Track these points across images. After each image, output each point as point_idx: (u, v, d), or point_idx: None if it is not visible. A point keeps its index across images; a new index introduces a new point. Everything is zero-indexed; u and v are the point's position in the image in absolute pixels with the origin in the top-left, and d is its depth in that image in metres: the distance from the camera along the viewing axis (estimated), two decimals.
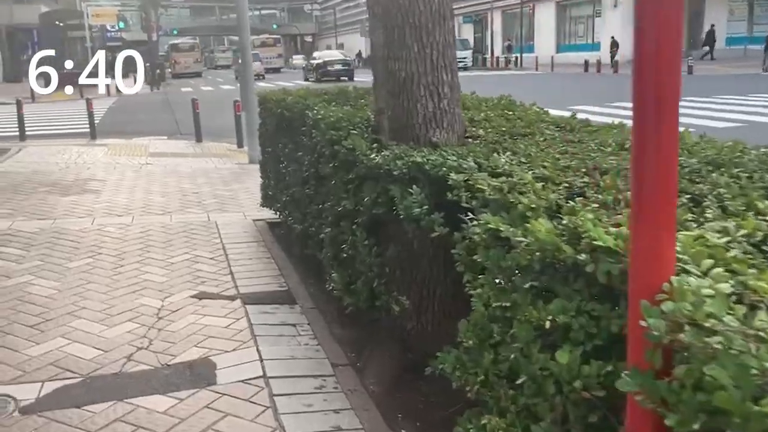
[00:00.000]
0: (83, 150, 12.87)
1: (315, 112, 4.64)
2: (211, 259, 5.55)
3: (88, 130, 15.81)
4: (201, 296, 4.66)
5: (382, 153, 3.35)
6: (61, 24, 47.86)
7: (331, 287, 4.23)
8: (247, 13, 11.22)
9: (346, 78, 36.62)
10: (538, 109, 4.36)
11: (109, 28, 49.43)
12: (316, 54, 43.69)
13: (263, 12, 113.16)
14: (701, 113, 15.15)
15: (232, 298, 4.61)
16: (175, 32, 73.80)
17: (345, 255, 3.90)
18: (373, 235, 3.67)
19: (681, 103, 1.43)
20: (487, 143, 3.43)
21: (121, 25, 48.60)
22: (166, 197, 7.97)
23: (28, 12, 46.46)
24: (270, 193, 6.53)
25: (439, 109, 3.47)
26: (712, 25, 43.09)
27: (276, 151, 6.06)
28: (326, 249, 4.35)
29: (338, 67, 38.84)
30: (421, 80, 3.44)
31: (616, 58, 39.42)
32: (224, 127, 16.76)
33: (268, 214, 6.81)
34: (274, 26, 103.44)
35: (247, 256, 5.65)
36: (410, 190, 2.96)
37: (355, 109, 4.34)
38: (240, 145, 13.49)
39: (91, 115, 15.75)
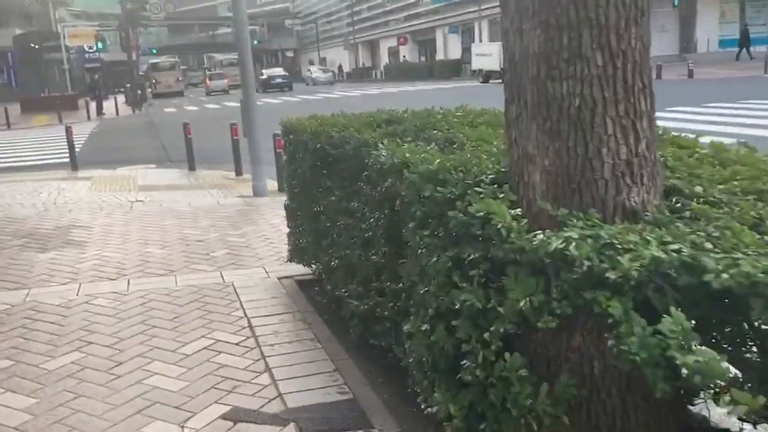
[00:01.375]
0: (64, 186, 11.46)
1: (385, 153, 3.33)
2: (236, 345, 4.20)
3: (69, 160, 14.41)
4: (235, 418, 3.30)
5: (564, 233, 2.04)
6: (37, 46, 46.27)
7: (426, 407, 2.92)
8: (247, 26, 9.91)
9: (287, 89, 48.99)
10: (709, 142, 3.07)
11: (86, 48, 47.87)
12: (263, 71, 53.81)
13: None
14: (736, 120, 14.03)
15: (281, 422, 3.26)
16: (154, 51, 72.43)
17: (466, 375, 2.58)
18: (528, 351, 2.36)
19: None
20: (716, 209, 2.14)
21: (100, 45, 47.09)
22: (166, 248, 6.60)
23: (2, 35, 44.91)
24: (301, 244, 5.19)
25: (636, 155, 2.17)
26: (746, 25, 42.45)
27: (312, 195, 4.74)
28: (414, 350, 3.02)
29: (279, 80, 50.97)
30: (607, 111, 2.14)
31: None
32: (217, 152, 15.41)
33: (295, 267, 5.49)
34: (255, 42, 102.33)
35: (284, 337, 4.30)
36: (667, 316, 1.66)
37: (459, 153, 3.01)
38: (239, 172, 12.16)
39: (71, 145, 14.34)
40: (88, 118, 30.70)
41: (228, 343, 4.24)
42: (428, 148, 3.26)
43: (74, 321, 4.66)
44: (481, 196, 2.46)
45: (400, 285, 3.26)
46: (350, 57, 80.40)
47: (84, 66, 50.44)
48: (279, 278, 5.58)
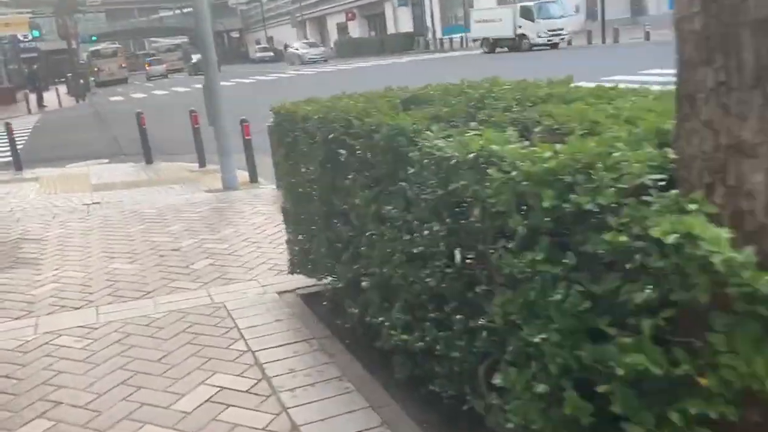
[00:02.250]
0: (8, 189, 10.30)
1: (444, 143, 2.49)
2: (246, 393, 3.33)
3: (11, 159, 13.15)
4: None
5: None
6: None
7: None
8: (206, 6, 8.85)
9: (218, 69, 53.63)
10: None
11: (21, 38, 45.37)
12: (193, 56, 54.85)
13: (185, 11, 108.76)
14: None
15: None
16: (94, 39, 69.43)
17: None
18: None
19: None
20: None
21: (35, 33, 44.60)
22: (136, 262, 5.63)
23: None
24: (308, 255, 4.31)
25: None
26: None
27: (324, 197, 3.85)
28: (518, 415, 2.21)
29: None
30: None
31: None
32: (174, 142, 14.31)
33: (294, 277, 4.64)
34: None
35: (304, 378, 3.44)
36: None
37: (576, 143, 2.15)
38: (202, 164, 11.13)
39: (13, 142, 13.06)
40: (29, 111, 28.93)
41: (235, 390, 3.36)
42: (507, 135, 2.42)
43: (34, 372, 3.71)
44: (654, 207, 1.64)
45: (481, 322, 2.44)
46: (298, 35, 78.55)
47: (20, 56, 47.78)
48: (278, 293, 4.70)
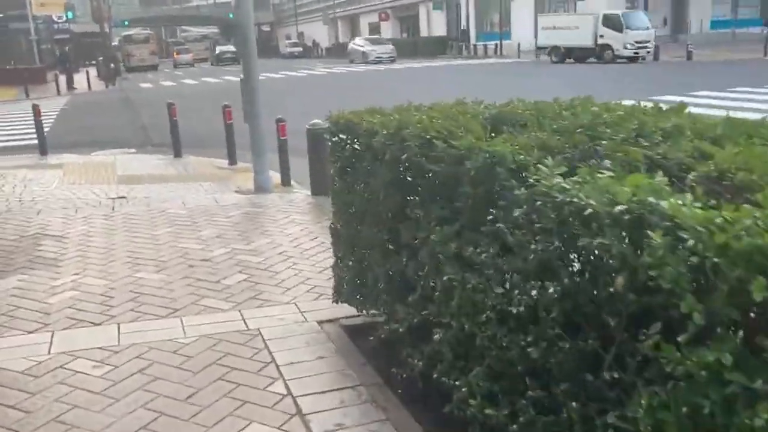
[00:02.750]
0: (31, 175, 9.90)
1: (584, 189, 1.98)
2: None
3: (37, 142, 12.78)
4: None
5: None
6: (1, 15, 43.72)
7: None
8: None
9: (237, 62, 52.77)
10: None
11: (55, 18, 45.39)
12: (217, 48, 61.59)
13: (217, 1, 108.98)
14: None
15: None
16: (126, 23, 69.59)
17: None
18: None
19: None
20: None
21: (70, 15, 44.62)
22: (163, 272, 5.17)
23: None
24: (360, 287, 3.81)
25: None
26: None
27: (385, 223, 3.35)
28: None
29: (229, 55, 56.90)
30: None
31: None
32: (203, 134, 13.90)
33: (337, 305, 4.14)
34: (230, 15, 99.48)
35: None
36: None
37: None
38: (233, 161, 10.69)
39: (39, 125, 12.70)
40: (58, 92, 28.77)
41: None
42: (659, 182, 1.89)
43: (45, 405, 3.24)
44: None
45: (611, 420, 1.92)
46: (329, 32, 78.31)
47: (53, 37, 47.83)
48: (319, 322, 4.20)
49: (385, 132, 3.23)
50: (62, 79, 30.87)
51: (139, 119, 18.19)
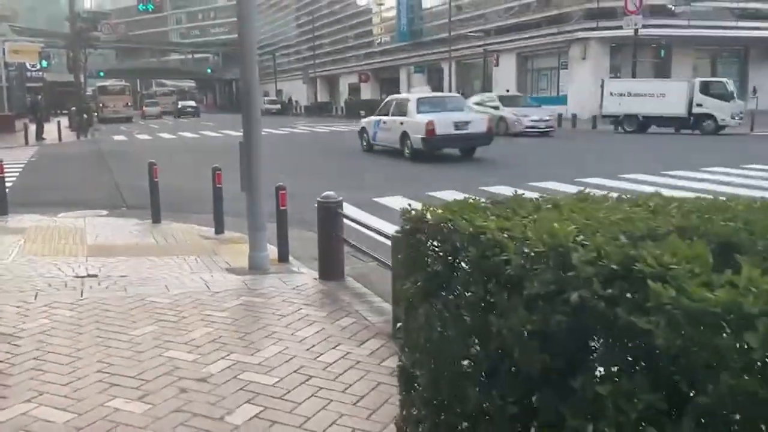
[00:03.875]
0: None
1: None
2: None
3: None
4: None
5: None
6: None
7: None
8: (254, 52, 7.33)
9: (196, 116, 62.71)
10: None
11: (29, 66, 44.15)
12: (180, 103, 69.39)
13: (196, 56, 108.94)
14: None
15: None
16: (101, 74, 68.70)
17: None
18: None
19: None
20: None
21: (44, 64, 43.49)
22: (146, 398, 3.86)
23: None
24: None
25: None
26: None
27: (516, 388, 2.16)
28: None
29: (189, 109, 65.76)
30: None
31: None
32: (183, 195, 12.66)
33: None
34: (209, 70, 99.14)
35: None
36: None
37: None
38: (219, 230, 9.44)
39: (1, 181, 11.37)
40: (26, 142, 27.34)
41: None
42: None
43: None
44: None
45: None
46: (308, 91, 78.19)
47: (24, 85, 46.49)
48: None
49: (532, 252, 2.06)
50: (32, 128, 29.47)
51: (112, 176, 16.86)
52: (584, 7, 42.08)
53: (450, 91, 49.54)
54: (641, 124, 30.10)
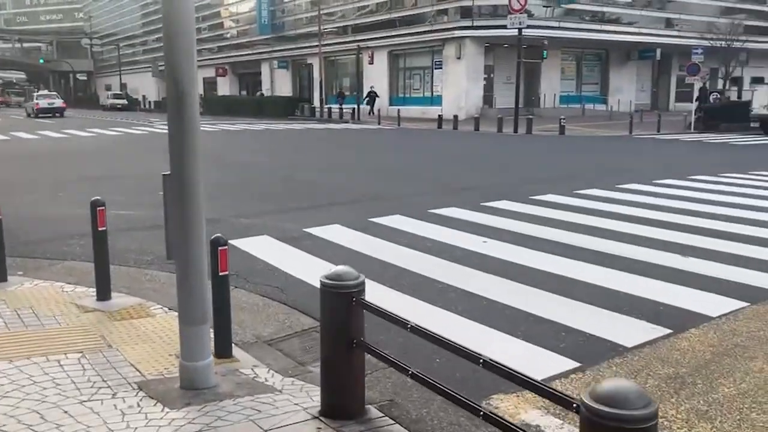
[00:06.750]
0: None
1: None
2: None
3: None
4: None
5: None
6: None
7: None
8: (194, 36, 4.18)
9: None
10: None
11: None
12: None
13: (25, 45, 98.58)
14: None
15: None
16: None
17: None
18: None
19: None
20: None
21: None
22: None
23: None
24: None
25: None
26: (705, 83, 38.60)
27: None
28: None
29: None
30: None
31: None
32: (38, 226, 9.06)
33: None
34: (41, 60, 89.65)
35: None
36: None
37: None
38: (103, 294, 6.15)
39: None
40: None
41: None
42: None
43: None
44: None
45: None
46: (159, 85, 72.30)
47: None
48: None
49: None
50: None
51: None
52: (461, 5, 40.76)
53: (321, 87, 46.67)
54: None
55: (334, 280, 3.69)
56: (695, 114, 33.02)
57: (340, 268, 3.75)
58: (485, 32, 39.80)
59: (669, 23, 47.80)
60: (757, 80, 51.32)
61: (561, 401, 2.40)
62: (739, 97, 45.98)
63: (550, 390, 2.46)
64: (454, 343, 3.01)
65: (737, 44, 42.31)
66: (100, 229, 6.08)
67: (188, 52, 3.94)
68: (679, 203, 11.35)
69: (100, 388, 4.26)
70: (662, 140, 27.69)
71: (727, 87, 44.16)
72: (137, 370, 4.58)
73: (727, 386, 4.48)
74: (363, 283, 3.74)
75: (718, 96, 37.62)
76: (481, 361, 2.87)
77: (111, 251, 6.28)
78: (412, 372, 3.33)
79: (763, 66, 48.60)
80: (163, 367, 4.61)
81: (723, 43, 41.66)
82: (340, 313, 3.70)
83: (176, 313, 5.68)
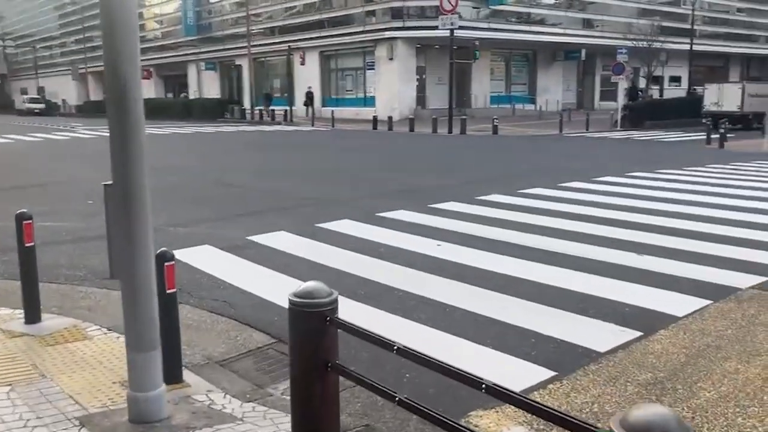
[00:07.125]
0: None
1: None
2: None
3: None
4: None
5: None
6: None
7: None
8: (135, 26, 3.73)
9: None
10: None
11: None
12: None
13: None
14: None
15: None
16: None
17: None
18: None
19: None
20: None
21: None
22: None
23: None
24: None
25: None
26: (633, 81, 38.68)
27: None
28: None
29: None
30: None
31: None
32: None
33: None
34: None
35: None
36: None
37: None
38: (33, 316, 5.59)
39: None
40: None
41: None
42: None
43: None
44: None
45: None
46: (79, 88, 69.63)
47: None
48: None
49: None
50: None
51: None
52: (390, 6, 40.65)
53: (251, 89, 45.72)
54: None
55: (304, 298, 3.32)
56: (621, 112, 33.89)
57: (310, 284, 3.38)
58: (416, 33, 39.82)
59: (590, 24, 48.98)
60: (675, 79, 53.30)
61: None
62: (661, 95, 47.52)
63: (577, 422, 2.17)
64: (452, 366, 2.69)
65: (657, 45, 43.71)
66: (27, 244, 5.51)
67: (131, 44, 3.51)
68: (622, 200, 11.40)
69: (34, 427, 3.76)
70: (592, 138, 28.26)
71: (648, 86, 45.56)
72: (77, 403, 4.09)
73: (707, 390, 4.34)
74: (336, 300, 3.38)
75: (641, 93, 38.83)
76: (483, 387, 2.57)
77: (38, 267, 5.71)
78: (399, 399, 2.99)
79: (681, 65, 50.37)
80: (107, 398, 4.14)
81: (644, 43, 42.96)
82: (312, 334, 3.33)
83: (116, 334, 5.22)
